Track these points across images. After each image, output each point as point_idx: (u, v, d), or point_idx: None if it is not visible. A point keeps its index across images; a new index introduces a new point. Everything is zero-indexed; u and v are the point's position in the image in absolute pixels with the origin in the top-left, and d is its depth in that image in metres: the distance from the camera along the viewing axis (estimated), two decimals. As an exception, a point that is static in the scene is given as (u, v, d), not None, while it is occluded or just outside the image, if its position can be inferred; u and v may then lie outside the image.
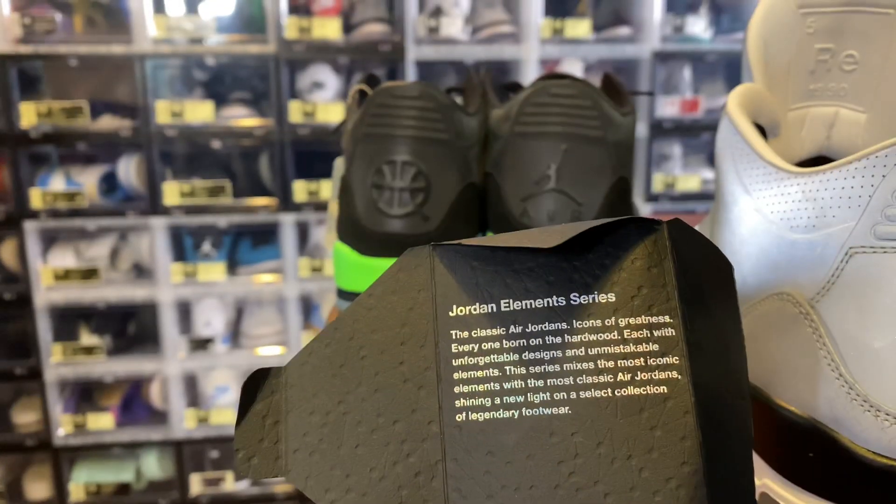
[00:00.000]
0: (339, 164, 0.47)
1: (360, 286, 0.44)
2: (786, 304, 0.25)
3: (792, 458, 0.25)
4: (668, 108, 1.72)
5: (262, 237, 1.63)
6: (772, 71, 0.30)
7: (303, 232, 1.62)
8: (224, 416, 1.63)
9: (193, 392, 1.67)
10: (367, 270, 0.43)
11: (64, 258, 1.56)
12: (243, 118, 1.56)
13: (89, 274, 1.55)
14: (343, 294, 0.45)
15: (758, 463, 0.26)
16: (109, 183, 1.58)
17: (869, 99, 0.29)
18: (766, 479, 0.26)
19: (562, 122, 0.43)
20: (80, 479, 1.63)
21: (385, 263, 0.43)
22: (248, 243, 1.64)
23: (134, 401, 1.67)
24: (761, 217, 0.27)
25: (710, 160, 1.86)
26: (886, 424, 0.22)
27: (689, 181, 1.73)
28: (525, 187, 0.44)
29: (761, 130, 0.31)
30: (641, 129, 1.70)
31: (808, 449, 0.24)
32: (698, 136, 1.75)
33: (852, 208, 0.23)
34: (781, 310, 0.25)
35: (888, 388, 0.22)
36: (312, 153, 1.55)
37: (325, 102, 1.54)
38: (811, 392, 0.24)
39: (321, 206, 1.58)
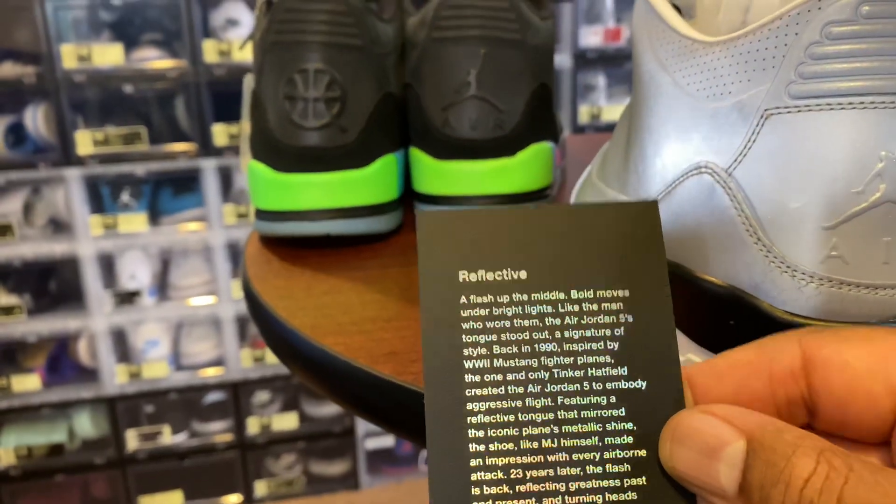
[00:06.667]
0: (248, 80, 0.45)
1: (278, 204, 0.42)
2: (704, 176, 0.25)
3: (714, 328, 0.25)
4: (592, 37, 1.71)
5: (184, 185, 1.58)
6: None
7: (226, 177, 1.57)
8: (156, 369, 1.59)
9: (123, 347, 1.62)
10: (284, 187, 0.41)
11: (-27, 215, 1.49)
12: (156, 60, 1.49)
13: (2, 231, 1.48)
14: (262, 214, 0.43)
15: (681, 339, 0.26)
16: (17, 134, 1.50)
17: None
18: (689, 354, 0.26)
19: (480, 24, 0.42)
20: (10, 443, 1.58)
21: (302, 179, 0.41)
22: (169, 191, 1.59)
23: (61, 360, 1.62)
24: (679, 91, 0.26)
25: (635, 90, 1.86)
26: (803, 284, 0.22)
27: (615, 111, 1.74)
28: (445, 96, 0.43)
29: (677, 12, 0.30)
30: (565, 61, 1.69)
31: (729, 317, 0.24)
32: (622, 65, 1.75)
33: (767, 70, 0.23)
34: (701, 183, 0.25)
35: (804, 248, 0.22)
36: (230, 94, 1.49)
37: (241, 40, 1.48)
38: (731, 260, 0.24)
39: (244, 150, 1.53)
